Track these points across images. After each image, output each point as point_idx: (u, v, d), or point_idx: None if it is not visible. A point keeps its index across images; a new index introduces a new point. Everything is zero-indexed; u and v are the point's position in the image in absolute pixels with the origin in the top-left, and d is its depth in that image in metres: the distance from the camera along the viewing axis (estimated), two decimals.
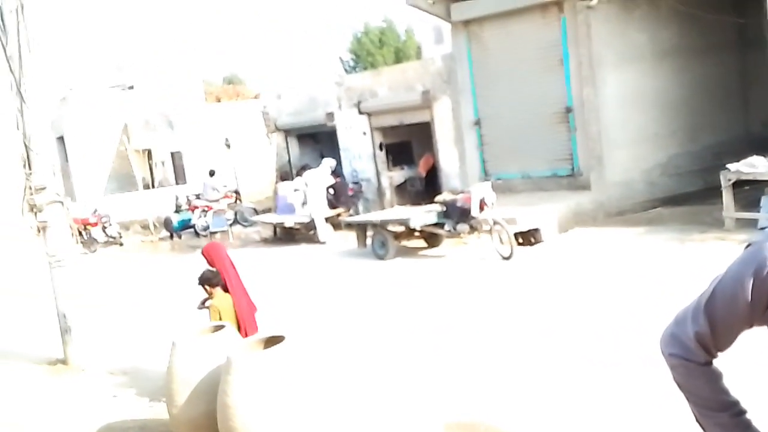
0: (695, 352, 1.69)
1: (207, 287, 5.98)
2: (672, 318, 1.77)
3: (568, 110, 12.82)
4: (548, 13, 12.74)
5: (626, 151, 12.51)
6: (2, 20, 7.11)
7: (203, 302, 6.10)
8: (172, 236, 18.03)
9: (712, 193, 10.61)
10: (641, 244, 10.19)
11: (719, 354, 1.72)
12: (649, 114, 12.64)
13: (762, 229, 9.80)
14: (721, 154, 10.88)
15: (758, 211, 10.06)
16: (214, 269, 6.03)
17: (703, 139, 13.01)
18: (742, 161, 10.03)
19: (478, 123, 14.29)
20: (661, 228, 10.87)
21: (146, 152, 24.88)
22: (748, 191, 10.41)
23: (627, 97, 12.49)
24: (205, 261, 6.15)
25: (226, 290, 6.01)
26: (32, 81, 7.21)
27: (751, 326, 1.67)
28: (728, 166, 10.11)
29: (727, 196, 10.18)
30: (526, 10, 12.84)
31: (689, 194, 12.18)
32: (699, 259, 8.84)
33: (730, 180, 10.08)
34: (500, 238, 10.53)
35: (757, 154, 10.02)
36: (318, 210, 14.40)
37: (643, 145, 12.61)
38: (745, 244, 1.70)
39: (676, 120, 12.84)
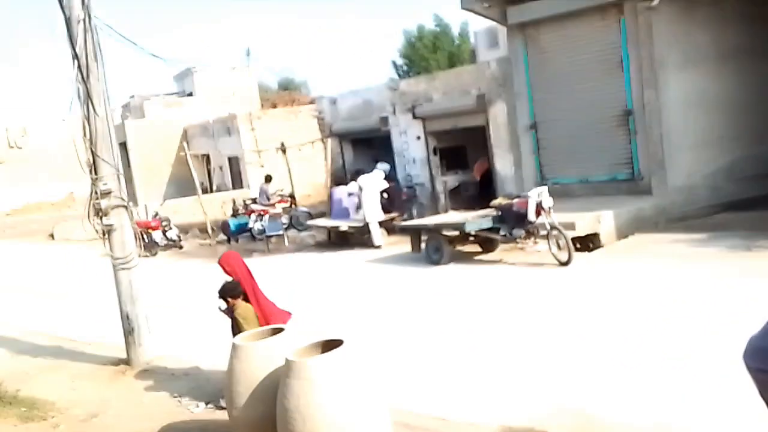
0: None
1: (229, 299, 5.95)
2: (758, 331, 1.69)
3: (628, 113, 12.55)
4: (607, 14, 12.50)
5: (689, 154, 12.17)
6: (70, 30, 7.36)
7: (225, 310, 6.06)
8: (229, 240, 18.34)
9: None
10: (705, 250, 9.88)
11: None
12: (713, 117, 12.27)
13: None
14: None
15: None
16: (233, 280, 5.99)
17: None
18: None
19: (534, 127, 14.11)
20: (726, 234, 10.52)
21: (204, 157, 25.40)
22: None
23: (690, 100, 12.15)
24: (222, 270, 6.10)
25: (246, 300, 5.97)
26: (99, 89, 7.43)
27: None
28: None
29: None
30: (584, 12, 12.64)
31: (755, 199, 11.77)
32: (765, 266, 8.53)
33: None
34: (558, 244, 10.36)
35: None
36: (372, 214, 14.44)
37: (706, 149, 12.24)
38: None
39: (740, 123, 12.42)
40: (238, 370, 5.39)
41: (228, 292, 5.95)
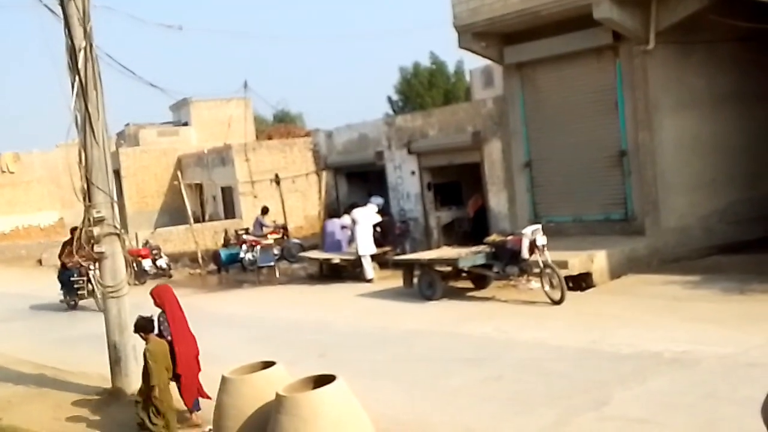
0: None
1: (142, 334, 6.30)
2: None
3: (623, 154, 12.62)
4: (603, 57, 12.65)
5: (683, 196, 12.22)
6: (71, 59, 7.37)
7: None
8: (219, 270, 18.20)
9: None
10: (698, 292, 9.87)
11: None
12: (707, 159, 12.35)
13: None
14: None
15: None
16: (148, 316, 6.36)
17: (763, 186, 12.63)
18: None
19: (529, 165, 14.17)
20: (720, 276, 10.52)
21: (198, 187, 25.36)
22: None
23: (684, 142, 12.24)
24: (154, 302, 6.58)
25: (162, 335, 6.39)
26: (98, 117, 7.41)
27: None
28: None
29: None
30: (580, 54, 12.78)
31: (748, 242, 11.80)
32: (760, 310, 8.50)
33: None
34: (551, 282, 10.32)
35: None
36: (365, 248, 14.37)
37: (700, 191, 12.30)
38: None
39: (735, 166, 12.51)
40: (227, 404, 5.29)
41: (141, 328, 6.31)
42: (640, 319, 8.85)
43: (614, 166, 12.84)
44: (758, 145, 12.59)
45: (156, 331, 6.39)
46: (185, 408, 6.55)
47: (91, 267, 12.35)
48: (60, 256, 14.62)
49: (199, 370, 6.64)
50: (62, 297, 14.51)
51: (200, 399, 6.56)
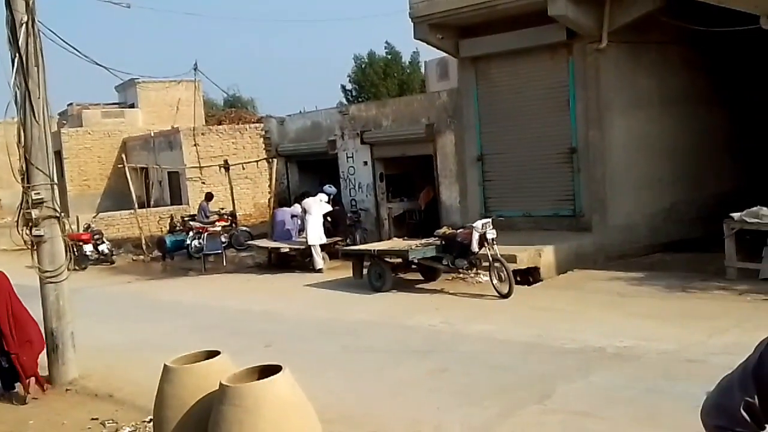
0: (745, 422, 1.57)
1: None
2: (714, 387, 1.64)
3: (573, 151, 12.79)
4: (557, 54, 12.77)
5: (630, 194, 12.45)
6: (12, 33, 7.04)
7: None
8: (164, 257, 17.81)
9: (714, 241, 10.52)
10: (641, 288, 10.07)
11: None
12: (655, 159, 12.61)
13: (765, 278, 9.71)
14: (724, 203, 10.82)
15: (761, 262, 9.99)
16: None
17: (707, 186, 12.98)
18: (746, 211, 9.98)
19: (481, 159, 14.23)
20: (663, 274, 10.76)
21: (143, 171, 24.75)
22: (749, 241, 10.32)
23: (633, 142, 12.47)
24: None
25: None
26: (38, 94, 7.10)
27: None
28: (732, 215, 10.05)
29: (730, 246, 10.12)
30: (535, 50, 12.87)
31: (691, 241, 12.10)
32: (701, 308, 8.72)
33: (733, 229, 10.02)
34: (499, 276, 10.39)
35: (760, 205, 9.96)
36: (315, 237, 14.24)
37: (646, 190, 12.56)
38: None
39: (681, 167, 12.81)
40: (169, 394, 5.12)
41: None
42: (584, 313, 8.99)
43: (564, 163, 13.00)
44: (703, 147, 12.92)
45: None
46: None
47: None
48: None
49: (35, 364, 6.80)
50: None
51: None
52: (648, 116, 12.57)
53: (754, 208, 9.94)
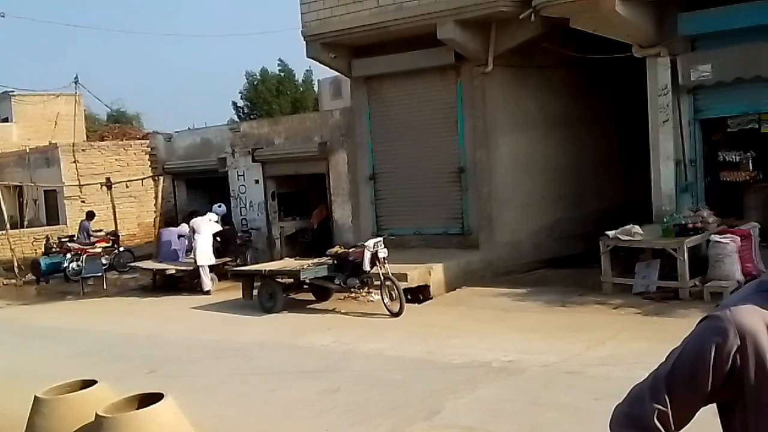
0: (658, 431, 1.58)
1: None
2: (623, 399, 1.65)
3: (461, 170, 13.11)
4: (446, 76, 13.09)
5: (515, 212, 12.88)
6: None
7: None
8: (39, 280, 16.72)
9: (594, 257, 11.03)
10: (525, 304, 10.40)
11: None
12: (538, 179, 13.13)
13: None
14: (604, 220, 11.36)
15: (632, 277, 10.57)
16: None
17: (587, 205, 13.62)
18: (621, 229, 10.48)
19: (373, 178, 14.32)
20: (545, 289, 11.17)
21: (17, 189, 23.21)
22: (623, 257, 10.90)
23: (518, 162, 12.93)
24: None
25: None
26: None
27: (707, 403, 1.59)
28: (607, 233, 10.53)
29: (605, 262, 10.58)
30: (425, 72, 13.13)
31: (572, 257, 12.63)
32: (579, 321, 9.11)
33: (608, 246, 10.50)
34: (390, 294, 10.45)
35: (634, 223, 10.52)
36: (203, 258, 13.81)
37: (531, 208, 13.03)
38: (702, 316, 1.63)
39: (562, 186, 13.39)
40: (40, 427, 4.77)
41: None
42: (472, 329, 9.17)
43: (453, 182, 13.30)
44: (584, 167, 13.56)
45: None
46: None
47: None
48: None
49: None
50: None
51: None
52: (532, 137, 13.09)
53: (627, 227, 10.43)
